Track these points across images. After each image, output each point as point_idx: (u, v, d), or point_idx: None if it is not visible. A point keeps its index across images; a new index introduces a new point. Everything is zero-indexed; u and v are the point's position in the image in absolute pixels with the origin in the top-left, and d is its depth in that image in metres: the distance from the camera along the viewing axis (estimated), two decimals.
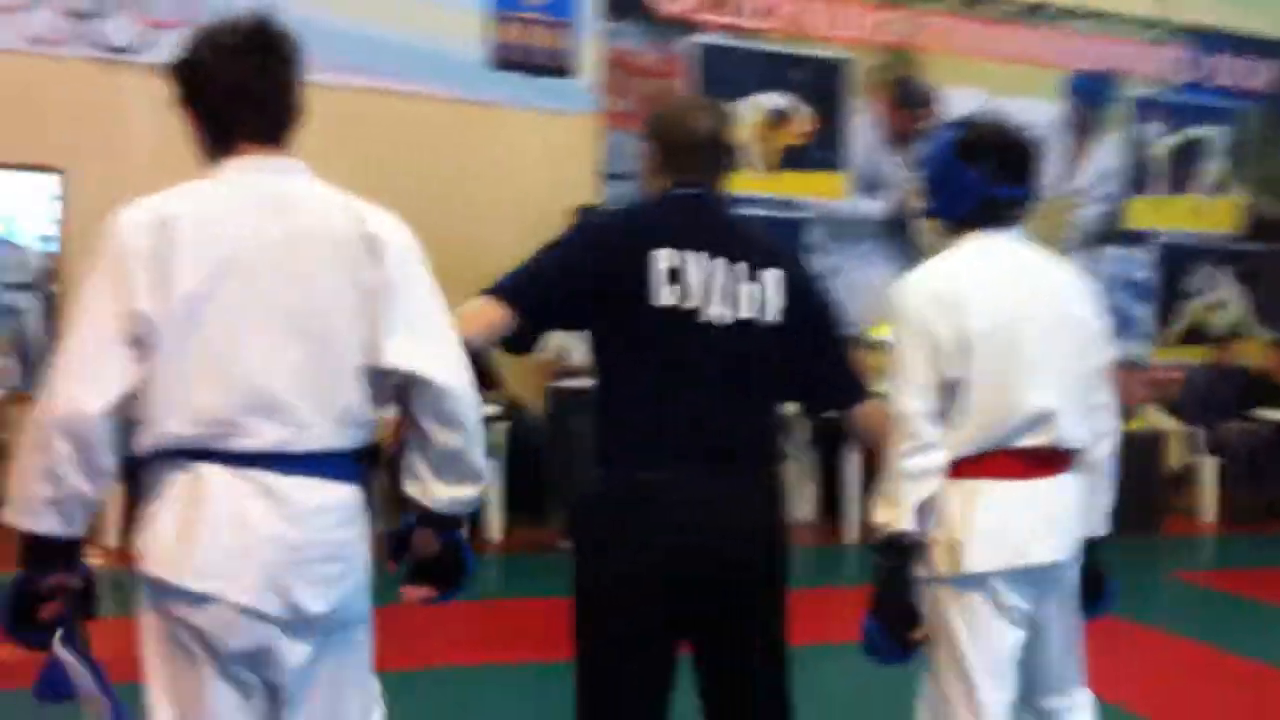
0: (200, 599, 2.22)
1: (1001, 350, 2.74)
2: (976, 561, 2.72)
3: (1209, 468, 9.13)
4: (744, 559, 2.73)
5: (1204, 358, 9.97)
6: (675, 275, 2.68)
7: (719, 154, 2.85)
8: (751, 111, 9.18)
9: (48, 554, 2.24)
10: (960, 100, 9.85)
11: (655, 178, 2.85)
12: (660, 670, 2.72)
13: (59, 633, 2.27)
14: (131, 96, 7.46)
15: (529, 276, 2.71)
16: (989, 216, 2.86)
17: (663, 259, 2.68)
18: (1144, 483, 8.32)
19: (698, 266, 2.70)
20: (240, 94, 2.33)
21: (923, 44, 9.75)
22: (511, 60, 8.60)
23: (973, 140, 2.90)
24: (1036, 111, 10.03)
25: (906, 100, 9.74)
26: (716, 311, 2.70)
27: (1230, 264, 10.84)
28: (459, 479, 2.41)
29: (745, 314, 2.73)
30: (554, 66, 8.71)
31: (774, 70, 9.29)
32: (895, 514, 2.71)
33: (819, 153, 9.44)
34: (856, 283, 8.90)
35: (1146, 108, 10.57)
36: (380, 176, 7.27)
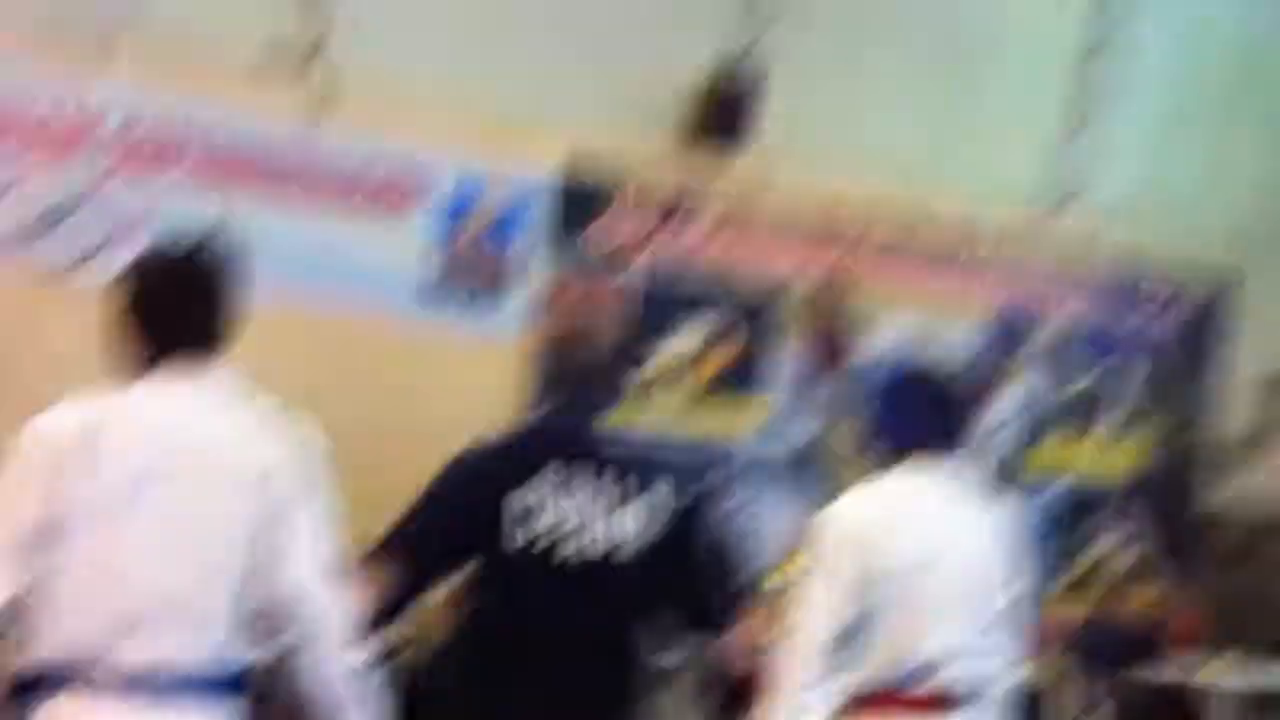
0: None
1: (905, 593, 2.92)
2: None
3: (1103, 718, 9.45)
4: None
5: (1100, 606, 10.33)
6: (530, 515, 2.76)
7: (598, 376, 3.00)
8: (680, 342, 9.41)
9: None
10: (886, 335, 10.20)
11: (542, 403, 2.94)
12: None
13: None
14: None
15: (402, 526, 2.85)
16: (927, 447, 2.99)
17: (519, 496, 2.74)
18: None
19: (561, 499, 2.76)
20: (166, 314, 2.51)
21: (853, 277, 10.05)
22: (450, 286, 8.79)
23: (915, 379, 3.08)
24: (959, 347, 10.43)
25: (837, 333, 10.04)
26: (578, 547, 2.80)
27: (1122, 513, 11.25)
28: None
29: (611, 545, 2.83)
30: (490, 294, 8.91)
31: (706, 301, 9.53)
32: None
33: (739, 383, 9.62)
34: (764, 523, 9.13)
35: (1057, 349, 10.96)
36: (314, 396, 7.50)
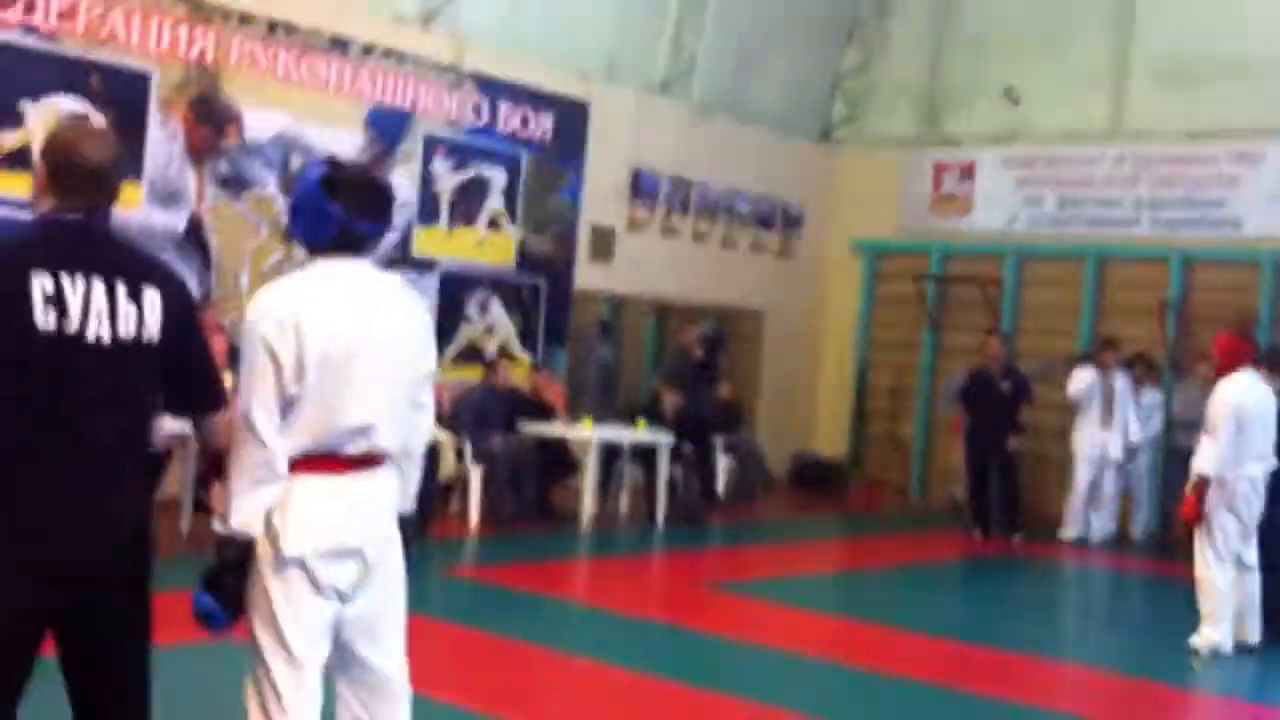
0: None
1: (335, 374, 3.14)
2: (296, 546, 3.14)
3: (475, 476, 10.11)
4: (108, 563, 2.99)
5: (477, 376, 11.01)
6: (53, 299, 2.82)
7: (108, 180, 3.02)
8: (46, 114, 8.89)
9: None
10: (263, 123, 10.21)
11: (43, 199, 3.00)
12: (24, 662, 2.94)
13: None
14: None
15: None
16: (346, 246, 3.25)
17: (42, 284, 2.82)
18: (420, 491, 9.05)
19: (78, 288, 2.86)
20: None
21: (227, 65, 9.96)
22: None
23: (338, 179, 3.29)
24: (338, 140, 10.62)
25: (209, 117, 9.89)
26: (96, 331, 2.88)
27: (502, 293, 12.08)
28: None
29: (126, 333, 2.93)
30: None
31: (72, 75, 9.05)
32: (249, 515, 3.13)
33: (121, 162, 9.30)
34: None
35: (436, 146, 11.52)
36: None
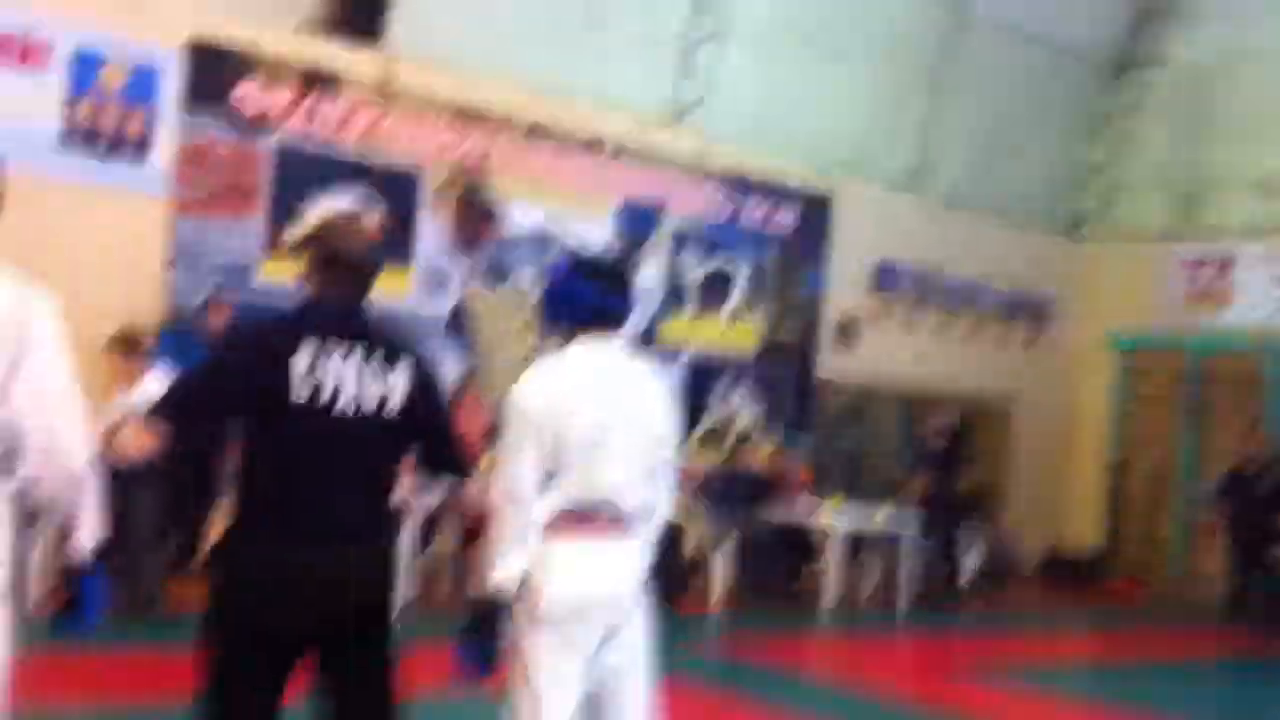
0: None
1: (587, 448, 3.43)
2: (550, 604, 3.39)
3: (720, 556, 10.28)
4: (357, 613, 3.27)
5: (720, 460, 11.24)
6: (309, 372, 3.15)
7: (368, 272, 3.37)
8: (325, 211, 9.66)
9: None
10: (524, 217, 10.84)
11: (310, 284, 3.35)
12: (275, 689, 3.21)
13: None
14: None
15: (176, 392, 3.21)
16: (598, 323, 3.55)
17: (302, 358, 3.15)
18: (664, 568, 9.28)
19: (334, 363, 3.18)
20: None
21: (491, 163, 10.65)
22: (86, 141, 8.75)
23: (586, 262, 3.67)
24: (591, 233, 11.19)
25: (474, 213, 10.57)
26: (346, 401, 3.19)
27: (745, 379, 12.33)
28: None
29: (373, 405, 3.23)
30: (129, 151, 8.91)
31: (349, 176, 9.84)
32: (505, 576, 3.36)
33: (388, 252, 10.04)
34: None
35: (684, 239, 11.94)
36: None
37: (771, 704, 6.83)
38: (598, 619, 3.45)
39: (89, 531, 2.97)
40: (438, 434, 3.47)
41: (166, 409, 3.16)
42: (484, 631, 3.40)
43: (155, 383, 7.33)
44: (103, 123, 8.80)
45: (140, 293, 8.86)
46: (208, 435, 3.32)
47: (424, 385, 3.37)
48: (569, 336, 3.59)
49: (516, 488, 3.38)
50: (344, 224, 3.55)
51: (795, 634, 9.64)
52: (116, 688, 5.94)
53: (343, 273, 3.32)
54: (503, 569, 3.37)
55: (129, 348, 7.62)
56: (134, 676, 6.22)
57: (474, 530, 3.67)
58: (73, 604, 3.01)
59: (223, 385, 3.20)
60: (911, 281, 13.79)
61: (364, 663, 3.33)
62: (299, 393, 3.15)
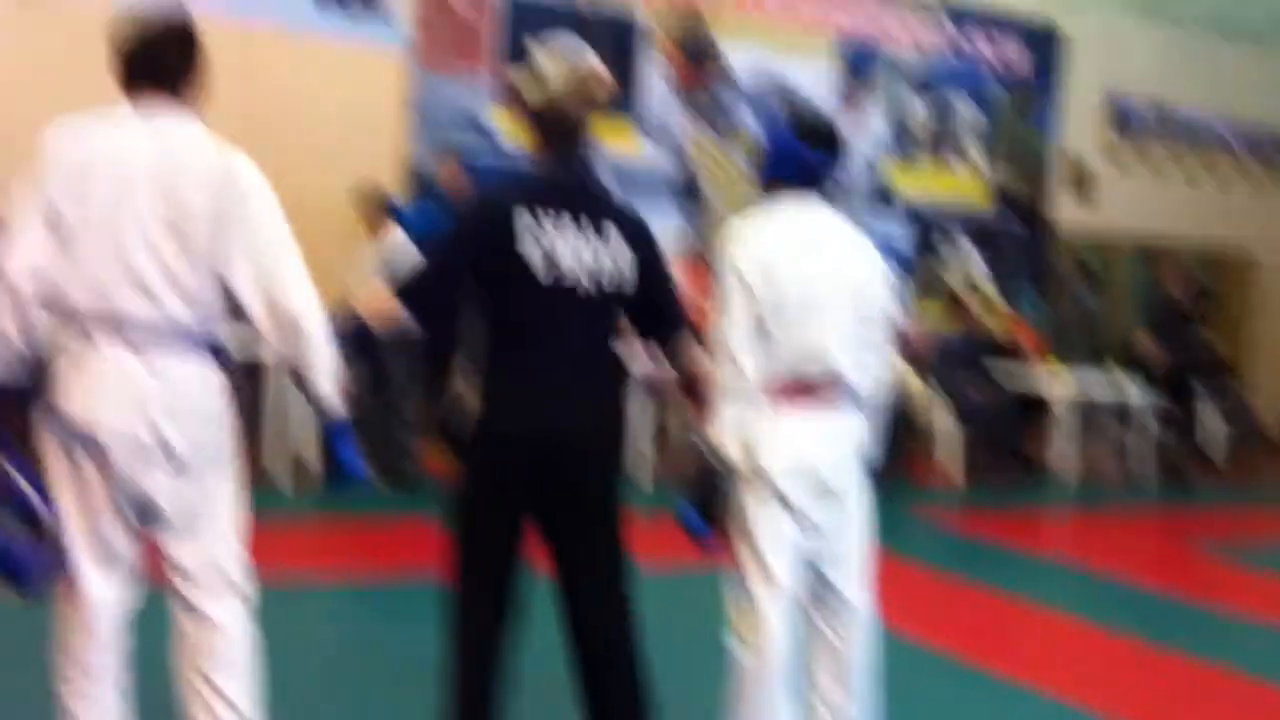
0: (89, 428, 2.91)
1: (797, 306, 3.44)
2: (768, 464, 3.43)
3: (948, 422, 9.92)
4: (587, 458, 3.37)
5: (947, 319, 10.77)
6: (533, 232, 3.22)
7: (584, 133, 3.37)
8: (550, 52, 9.37)
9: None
10: (740, 58, 10.34)
11: (530, 147, 3.38)
12: (511, 548, 3.36)
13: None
14: None
15: (418, 272, 3.28)
16: (803, 178, 3.55)
17: (527, 224, 3.23)
18: (892, 434, 9.00)
19: (555, 228, 3.25)
20: (147, 52, 3.04)
21: (709, 4, 10.15)
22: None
23: (798, 117, 3.66)
24: (811, 73, 10.65)
25: (695, 55, 10.12)
26: (570, 265, 3.25)
27: (974, 233, 11.73)
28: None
29: (594, 265, 3.29)
30: (369, 4, 8.81)
31: (574, 25, 9.54)
32: (724, 431, 3.42)
33: (614, 105, 9.71)
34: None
35: (907, 77, 11.26)
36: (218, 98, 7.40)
37: (1001, 584, 6.58)
38: (816, 482, 3.50)
39: (327, 387, 3.11)
40: (658, 294, 3.52)
41: (407, 294, 3.27)
42: (706, 492, 3.48)
43: (398, 236, 7.43)
44: None
45: (382, 147, 8.85)
46: (446, 311, 3.37)
47: (643, 245, 3.42)
48: (777, 189, 3.60)
49: (730, 343, 3.44)
50: (562, 82, 3.49)
51: (1026, 508, 9.30)
52: (374, 553, 6.18)
53: (560, 136, 3.36)
54: (721, 429, 3.46)
55: (373, 200, 7.84)
56: (390, 542, 6.44)
57: (694, 391, 3.60)
58: (331, 462, 3.18)
59: (457, 268, 3.28)
60: (1151, 120, 12.84)
61: (596, 522, 3.43)
62: (531, 264, 3.23)
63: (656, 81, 9.97)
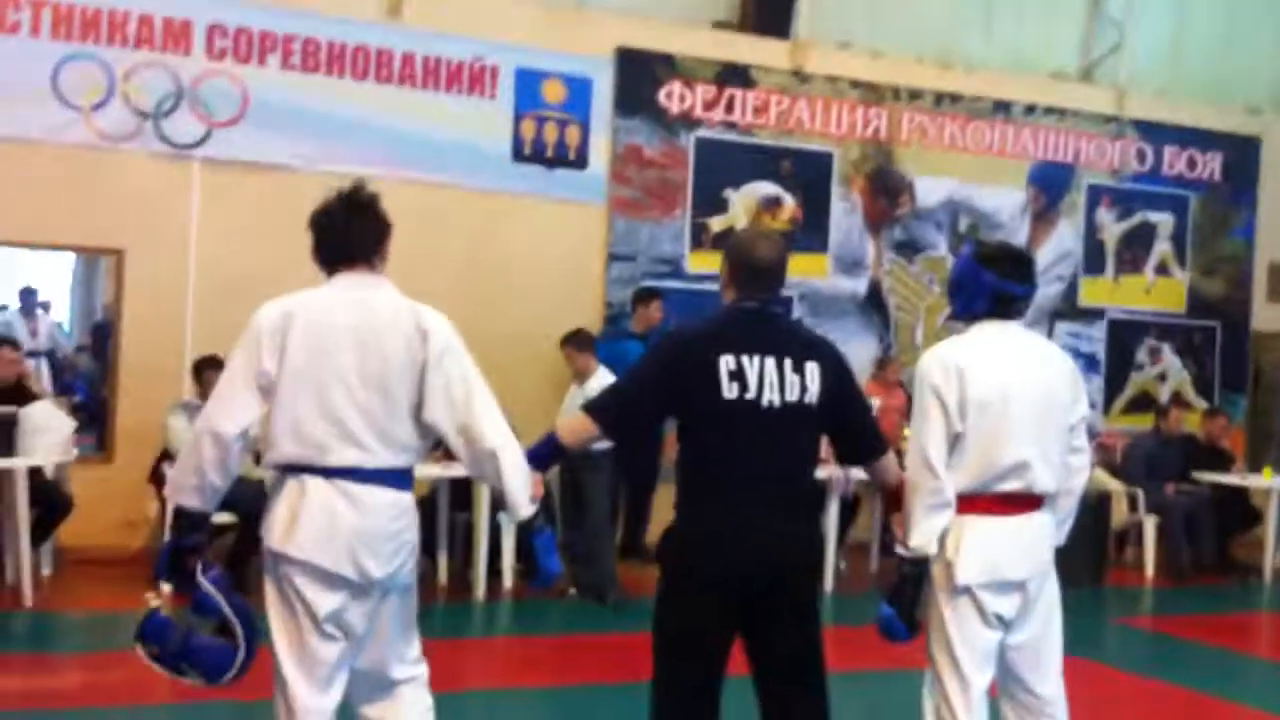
0: (301, 564, 3.31)
1: (993, 415, 3.64)
2: (965, 576, 3.66)
3: (1150, 526, 10.11)
4: (794, 575, 3.60)
5: (1149, 425, 10.96)
6: (736, 375, 3.50)
7: (776, 275, 3.70)
8: (746, 199, 10.22)
9: (191, 522, 3.38)
10: (933, 189, 10.94)
11: (727, 291, 3.71)
12: (722, 648, 3.58)
13: (199, 568, 3.39)
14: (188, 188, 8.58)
15: (615, 397, 3.68)
16: (999, 310, 3.80)
17: (727, 362, 3.51)
18: (1090, 539, 9.27)
19: (755, 365, 3.52)
20: (341, 238, 3.48)
21: (899, 139, 10.81)
22: (532, 154, 9.61)
23: (987, 252, 3.91)
24: (1002, 198, 11.16)
25: (884, 189, 10.78)
26: (768, 399, 3.52)
27: (1173, 339, 11.94)
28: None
29: (791, 399, 3.54)
30: (569, 160, 9.73)
31: (766, 162, 10.32)
32: (923, 537, 3.65)
33: (804, 236, 10.47)
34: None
35: (1100, 196, 11.67)
36: (422, 259, 8.41)
37: (1206, 688, 6.74)
38: (1011, 594, 3.67)
39: (519, 494, 3.46)
40: (854, 422, 3.74)
41: (598, 410, 3.61)
42: (905, 597, 3.69)
43: (602, 374, 8.04)
44: (546, 135, 9.62)
45: (585, 291, 9.68)
46: (644, 433, 3.78)
47: (838, 378, 3.63)
48: (974, 320, 3.82)
49: (928, 454, 3.63)
50: (752, 233, 3.97)
51: (1232, 610, 9.37)
52: (577, 668, 6.53)
53: (755, 280, 3.64)
54: (919, 536, 3.64)
55: (580, 343, 8.27)
56: (593, 657, 6.77)
57: (895, 502, 3.86)
58: (531, 568, 3.55)
59: (654, 392, 3.58)
60: None
61: (795, 629, 3.59)
62: (728, 391, 3.47)
63: (848, 213, 10.62)
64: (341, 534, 3.29)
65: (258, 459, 7.97)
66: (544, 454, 3.59)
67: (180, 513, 3.39)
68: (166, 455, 8.02)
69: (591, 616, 7.58)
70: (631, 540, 8.60)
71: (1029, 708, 3.81)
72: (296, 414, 3.29)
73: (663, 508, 8.70)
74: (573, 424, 3.64)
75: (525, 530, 3.57)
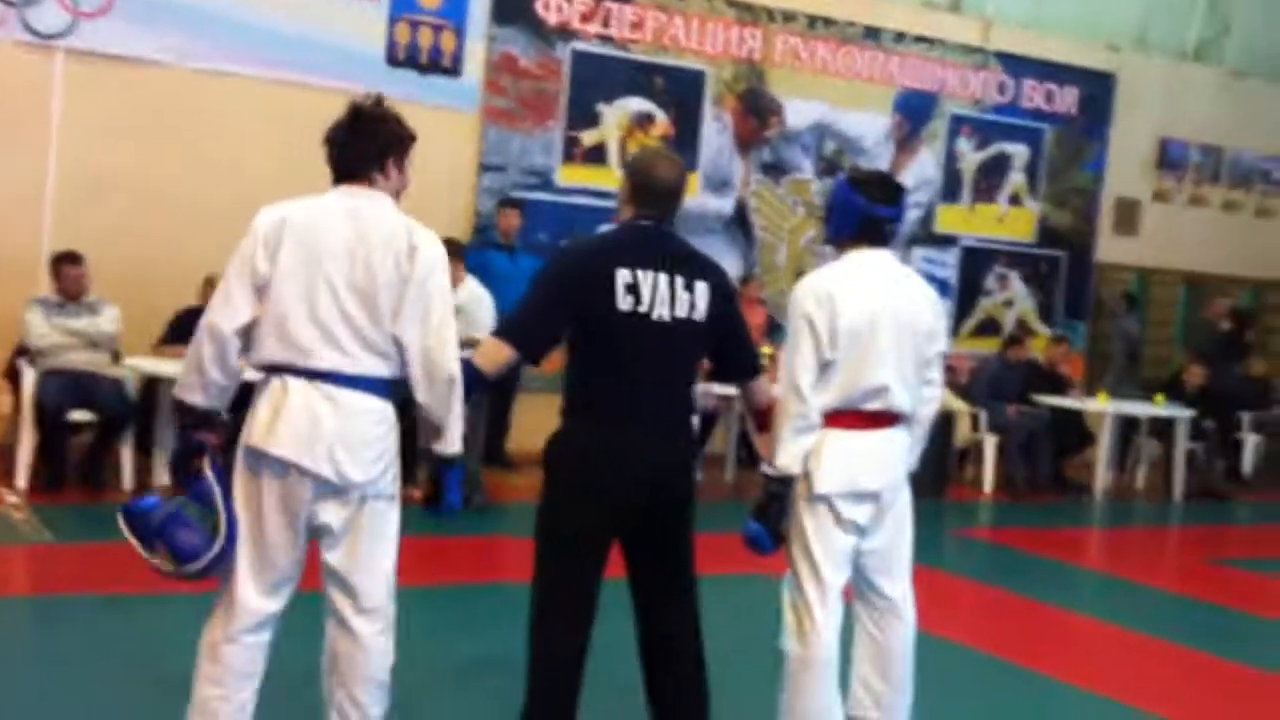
0: (279, 461, 3.35)
1: (862, 342, 3.85)
2: (825, 486, 3.89)
3: (990, 445, 10.62)
4: (673, 497, 3.80)
5: (994, 349, 11.46)
6: (631, 288, 3.63)
7: (674, 195, 3.82)
8: (619, 114, 10.31)
9: (195, 419, 3.44)
10: (803, 112, 11.15)
11: (625, 208, 3.81)
12: (602, 554, 3.75)
13: (206, 460, 3.43)
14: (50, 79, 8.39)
15: (525, 319, 3.73)
16: (869, 234, 3.98)
17: (623, 275, 3.64)
18: (934, 456, 9.71)
19: (649, 279, 3.64)
20: (339, 155, 3.54)
21: (771, 60, 10.98)
22: (406, 59, 9.54)
23: (861, 176, 4.12)
24: (868, 124, 11.43)
25: (755, 110, 10.96)
26: (659, 313, 3.66)
27: (1021, 267, 12.43)
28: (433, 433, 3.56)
29: (680, 314, 3.69)
30: (443, 66, 9.69)
31: (640, 78, 10.41)
32: (790, 458, 3.85)
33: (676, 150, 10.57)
34: None
35: (961, 126, 12.02)
36: (282, 163, 8.32)
37: (1038, 596, 7.19)
38: (867, 499, 3.92)
39: (457, 433, 3.52)
40: (735, 342, 3.91)
41: (514, 334, 3.70)
42: (771, 513, 3.91)
43: (470, 284, 8.14)
44: (420, 40, 9.56)
45: (456, 200, 9.70)
46: (551, 349, 3.79)
47: (725, 299, 3.81)
48: (846, 246, 4.00)
49: (797, 379, 3.82)
50: (653, 154, 4.05)
51: (1064, 525, 9.92)
52: (453, 568, 6.69)
53: (653, 199, 3.76)
54: (786, 455, 3.84)
55: (450, 252, 8.32)
56: (467, 558, 6.92)
57: (762, 421, 4.05)
58: (437, 494, 3.60)
59: (558, 307, 3.67)
60: (1198, 159, 13.45)
61: (671, 541, 3.83)
62: (622, 303, 3.61)
63: (718, 133, 10.79)
64: (322, 435, 3.33)
65: (117, 357, 8.00)
66: (469, 386, 3.59)
67: (184, 409, 3.44)
68: (22, 350, 7.94)
69: (457, 520, 7.70)
70: (491, 448, 8.76)
71: (879, 608, 4.09)
72: (283, 316, 3.34)
73: (523, 415, 9.01)
74: (489, 352, 3.70)
75: (446, 464, 3.58)
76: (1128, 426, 11.41)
